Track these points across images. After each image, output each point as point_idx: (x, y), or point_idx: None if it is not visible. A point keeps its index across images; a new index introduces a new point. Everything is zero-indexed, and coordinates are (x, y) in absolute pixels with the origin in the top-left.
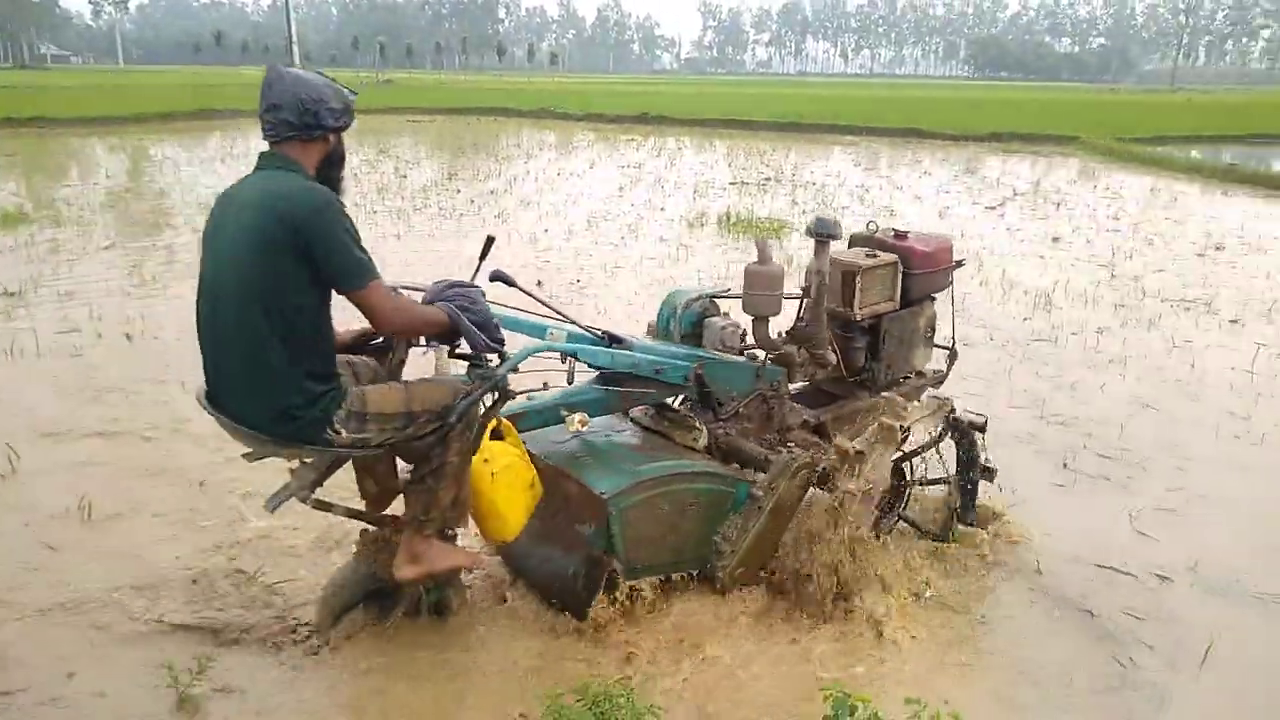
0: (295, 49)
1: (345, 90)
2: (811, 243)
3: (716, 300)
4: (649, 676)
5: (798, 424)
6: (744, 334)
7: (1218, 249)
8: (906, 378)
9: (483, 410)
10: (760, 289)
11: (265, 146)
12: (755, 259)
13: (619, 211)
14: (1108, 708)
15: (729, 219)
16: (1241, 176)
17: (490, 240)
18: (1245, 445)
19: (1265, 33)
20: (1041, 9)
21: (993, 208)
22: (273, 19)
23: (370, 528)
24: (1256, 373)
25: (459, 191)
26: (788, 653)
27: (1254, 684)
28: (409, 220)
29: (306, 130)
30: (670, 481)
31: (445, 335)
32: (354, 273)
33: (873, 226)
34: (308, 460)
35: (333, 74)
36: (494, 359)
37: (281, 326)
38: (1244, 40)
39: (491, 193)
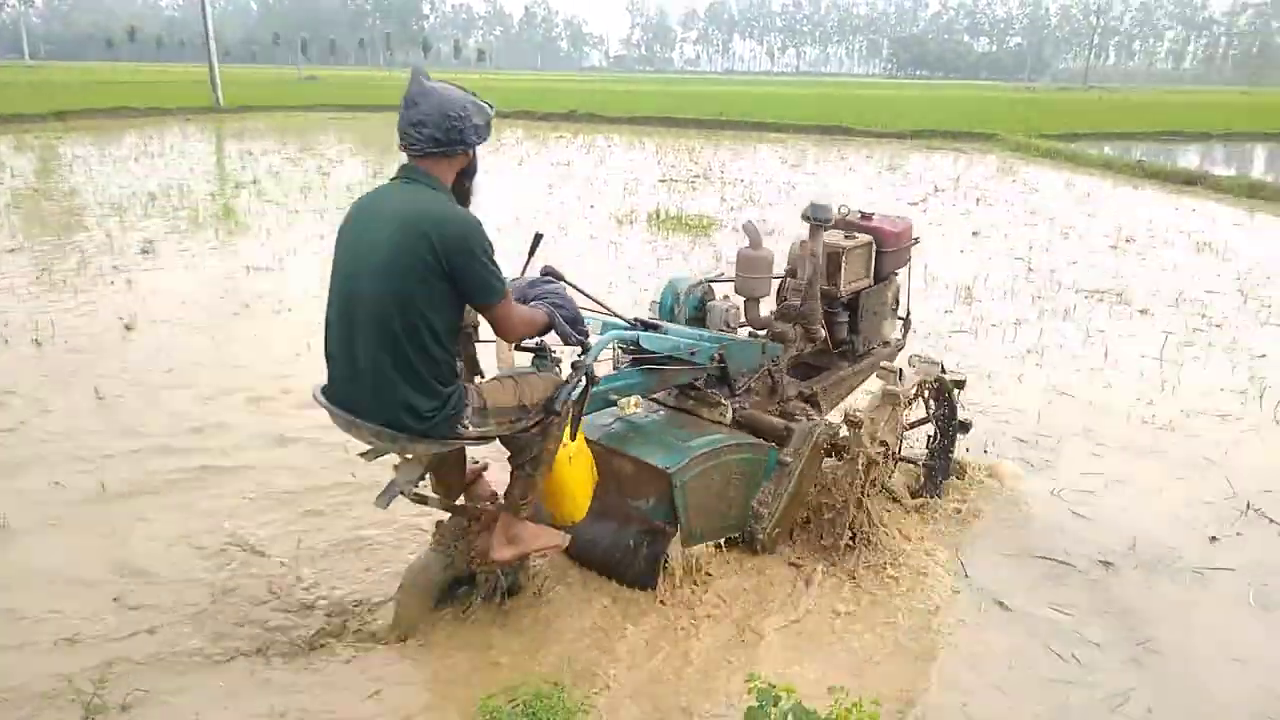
0: (213, 45)
1: (486, 104)
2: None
3: (712, 285)
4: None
5: (794, 395)
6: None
7: (1128, 241)
8: (876, 347)
9: (573, 400)
10: (753, 272)
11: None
12: (747, 244)
13: (548, 209)
14: (1050, 694)
15: (659, 216)
16: (1150, 172)
17: (539, 237)
18: (1154, 429)
19: (1169, 34)
20: (960, 9)
21: (915, 203)
22: (189, 13)
23: (444, 521)
24: (1165, 360)
25: None
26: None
27: (1197, 661)
28: (332, 220)
29: (450, 146)
30: (720, 454)
31: (541, 332)
32: (489, 291)
33: (844, 210)
34: (409, 457)
35: (254, 71)
36: (557, 351)
37: (421, 335)
38: (1150, 41)
39: None
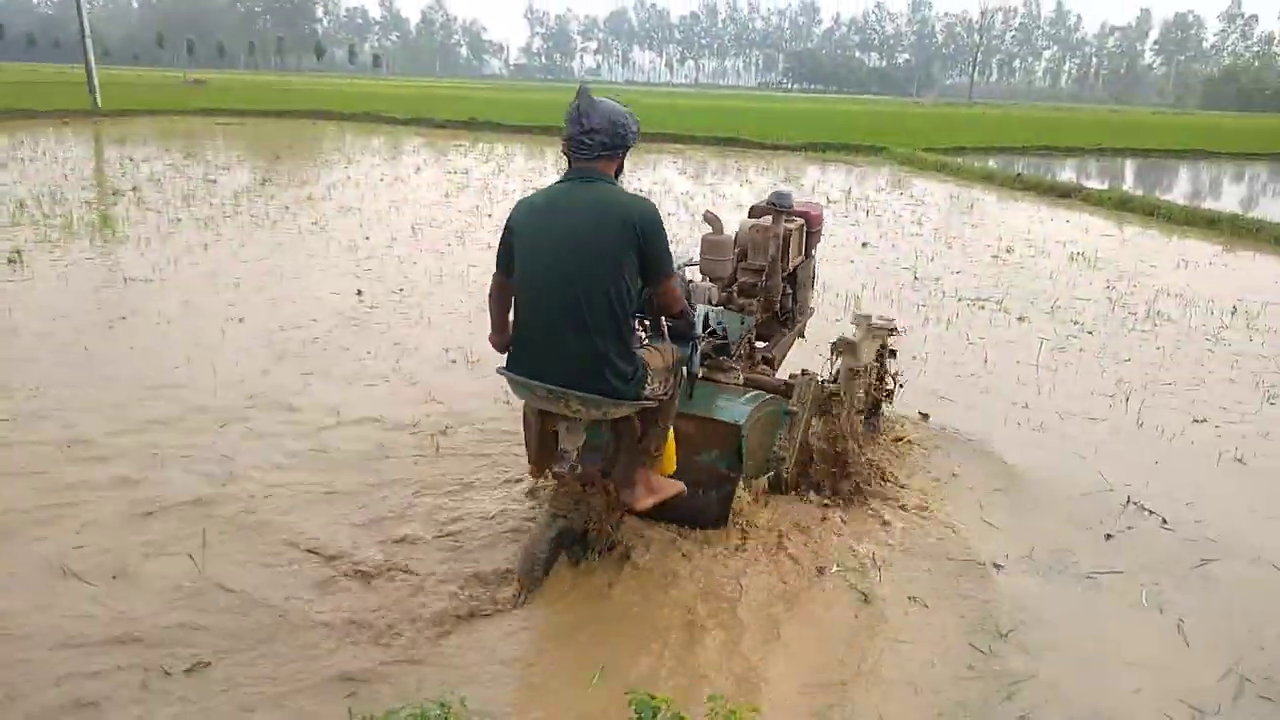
0: (89, 44)
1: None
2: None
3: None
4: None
5: (760, 358)
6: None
7: (1008, 251)
8: (805, 314)
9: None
10: (719, 255)
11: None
12: (710, 231)
13: (445, 218)
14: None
15: None
16: (1028, 184)
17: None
18: (1029, 431)
19: (1046, 53)
20: (852, 25)
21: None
22: (64, 11)
23: (555, 488)
24: (1040, 365)
25: (273, 198)
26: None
27: (1092, 666)
28: (218, 228)
29: (614, 149)
30: (762, 408)
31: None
32: (665, 267)
33: (775, 190)
34: (575, 422)
35: (136, 74)
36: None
37: (624, 308)
38: (1029, 60)
39: (309, 198)
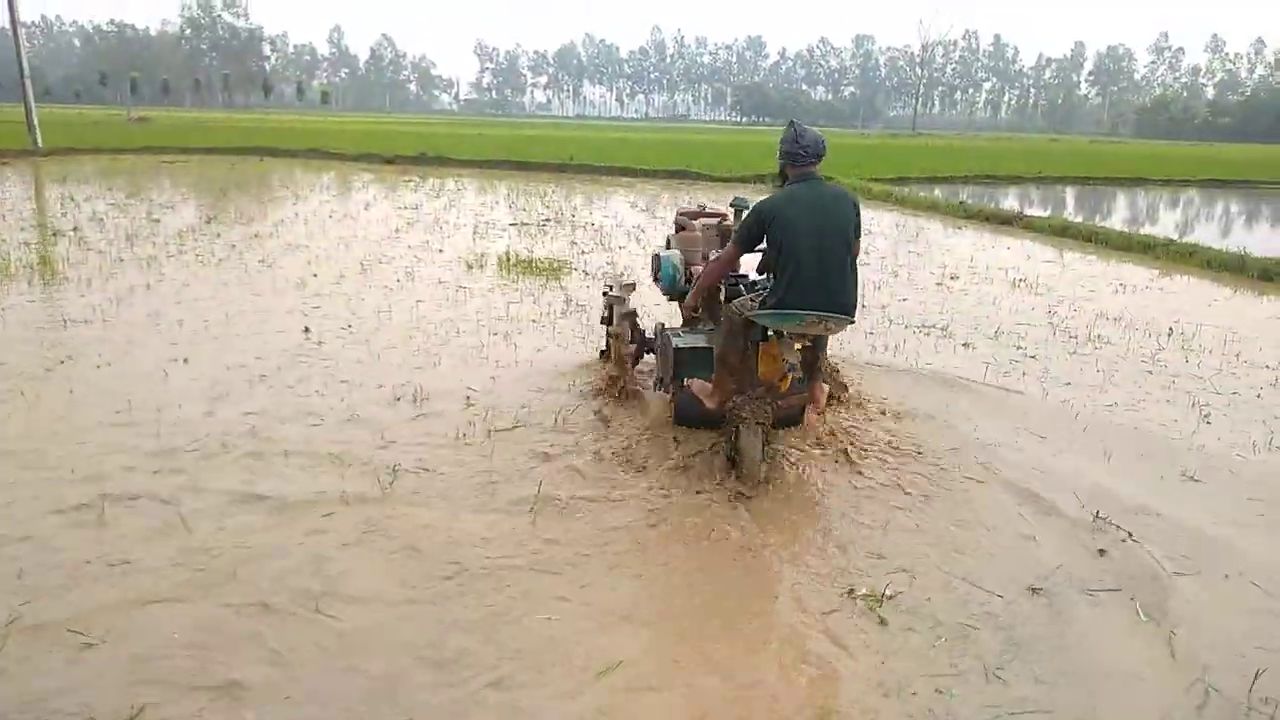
0: (29, 84)
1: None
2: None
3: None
4: None
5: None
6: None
7: (953, 279)
8: None
9: None
10: (696, 247)
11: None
12: (681, 230)
13: (394, 254)
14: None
15: (509, 260)
16: (971, 212)
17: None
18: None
19: (986, 85)
20: (798, 60)
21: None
22: (1, 50)
23: (748, 404)
24: (988, 383)
25: (219, 236)
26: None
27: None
28: (161, 268)
29: (820, 159)
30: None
31: None
32: (860, 233)
33: (701, 204)
34: (795, 348)
35: (78, 112)
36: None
37: (854, 261)
38: (970, 91)
39: (255, 236)
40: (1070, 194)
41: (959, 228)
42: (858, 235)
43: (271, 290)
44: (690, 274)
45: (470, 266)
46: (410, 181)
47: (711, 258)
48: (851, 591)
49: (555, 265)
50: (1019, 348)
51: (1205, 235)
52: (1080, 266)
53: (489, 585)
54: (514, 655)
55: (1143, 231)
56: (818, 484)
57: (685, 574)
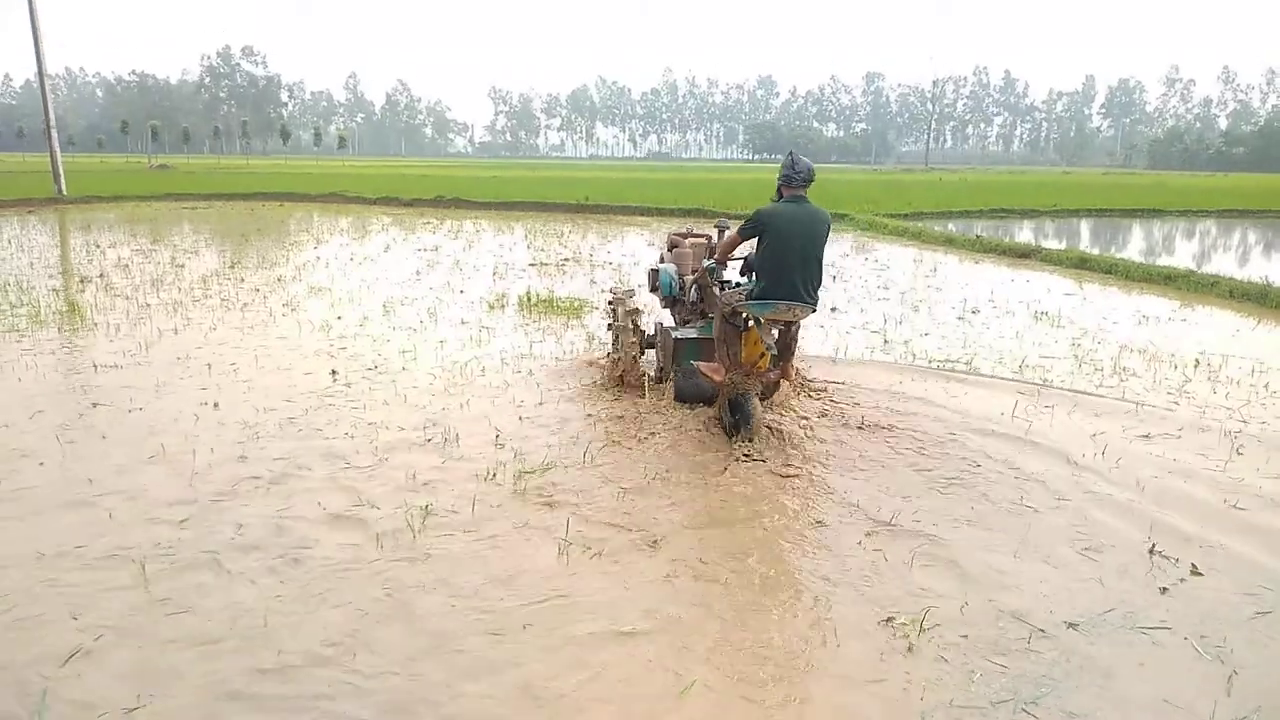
0: (54, 133)
1: None
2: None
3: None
4: None
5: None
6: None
7: (974, 313)
8: None
9: None
10: (690, 260)
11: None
12: (674, 248)
13: (417, 295)
14: None
15: (529, 300)
16: (988, 246)
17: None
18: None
19: (998, 120)
20: (809, 97)
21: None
22: (26, 101)
23: (750, 378)
24: (1015, 419)
25: (243, 280)
26: None
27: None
28: (186, 313)
29: (809, 184)
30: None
31: None
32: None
33: (689, 227)
34: (789, 321)
35: (100, 160)
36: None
37: (820, 266)
38: (981, 126)
39: (279, 280)
40: (1085, 226)
41: (976, 261)
42: (825, 242)
43: (297, 333)
44: (684, 283)
45: (492, 307)
46: (429, 224)
47: (693, 269)
48: (890, 620)
49: (576, 305)
50: (1044, 380)
51: (1225, 265)
52: (1101, 299)
53: (520, 620)
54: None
55: (1161, 262)
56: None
57: (723, 619)
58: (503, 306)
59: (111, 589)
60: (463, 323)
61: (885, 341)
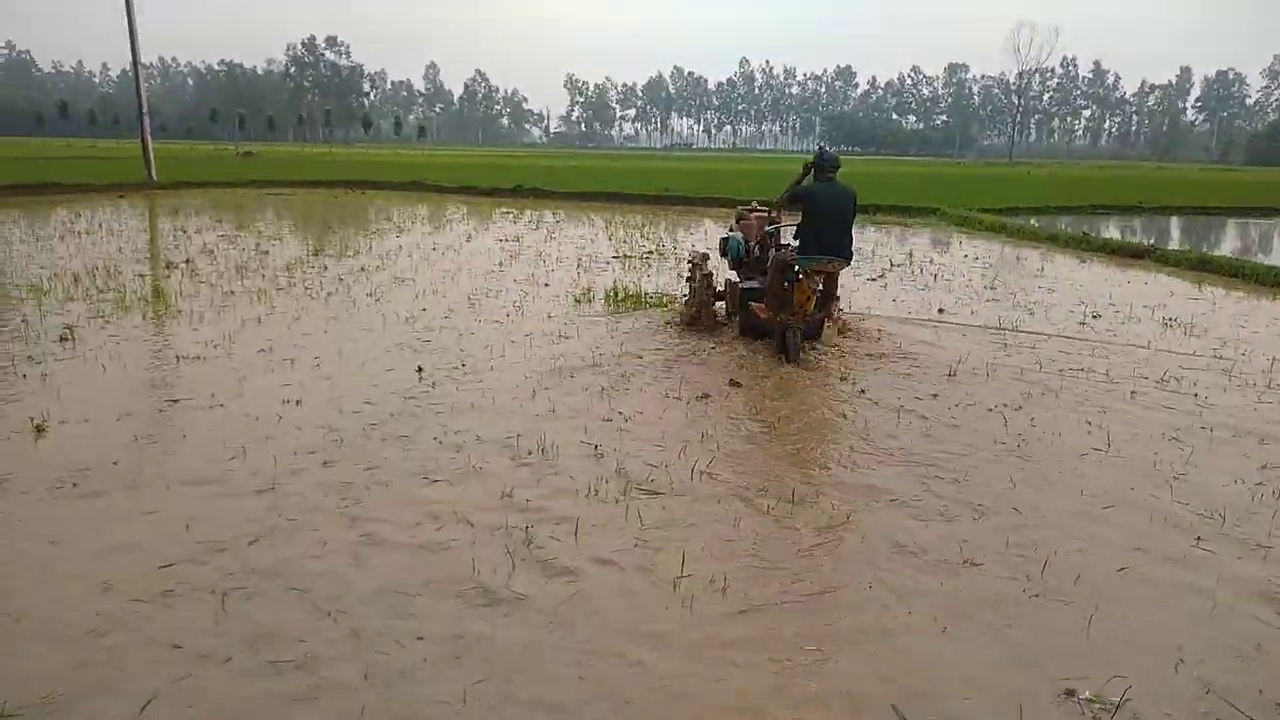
0: (146, 120)
1: None
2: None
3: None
4: None
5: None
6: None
7: (1095, 317)
8: None
9: None
10: (754, 229)
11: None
12: (740, 222)
13: (501, 288)
14: None
15: (616, 294)
16: (1095, 245)
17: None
18: (1188, 532)
19: (1085, 113)
20: (889, 89)
21: (875, 279)
22: (123, 90)
23: (793, 318)
24: (1177, 444)
25: (326, 269)
26: None
27: None
28: (271, 301)
29: (836, 169)
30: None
31: None
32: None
33: (753, 203)
34: (827, 272)
35: (189, 146)
36: None
37: (852, 227)
38: (1068, 119)
39: (362, 269)
40: (1190, 224)
41: (1081, 260)
42: (855, 214)
43: (381, 325)
44: (750, 249)
45: (578, 301)
46: (508, 213)
47: (756, 237)
48: (1072, 693)
49: (665, 300)
50: (1195, 396)
51: None
52: (1230, 305)
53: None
54: None
55: None
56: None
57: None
58: (590, 301)
59: (188, 620)
60: (549, 317)
61: (1005, 346)
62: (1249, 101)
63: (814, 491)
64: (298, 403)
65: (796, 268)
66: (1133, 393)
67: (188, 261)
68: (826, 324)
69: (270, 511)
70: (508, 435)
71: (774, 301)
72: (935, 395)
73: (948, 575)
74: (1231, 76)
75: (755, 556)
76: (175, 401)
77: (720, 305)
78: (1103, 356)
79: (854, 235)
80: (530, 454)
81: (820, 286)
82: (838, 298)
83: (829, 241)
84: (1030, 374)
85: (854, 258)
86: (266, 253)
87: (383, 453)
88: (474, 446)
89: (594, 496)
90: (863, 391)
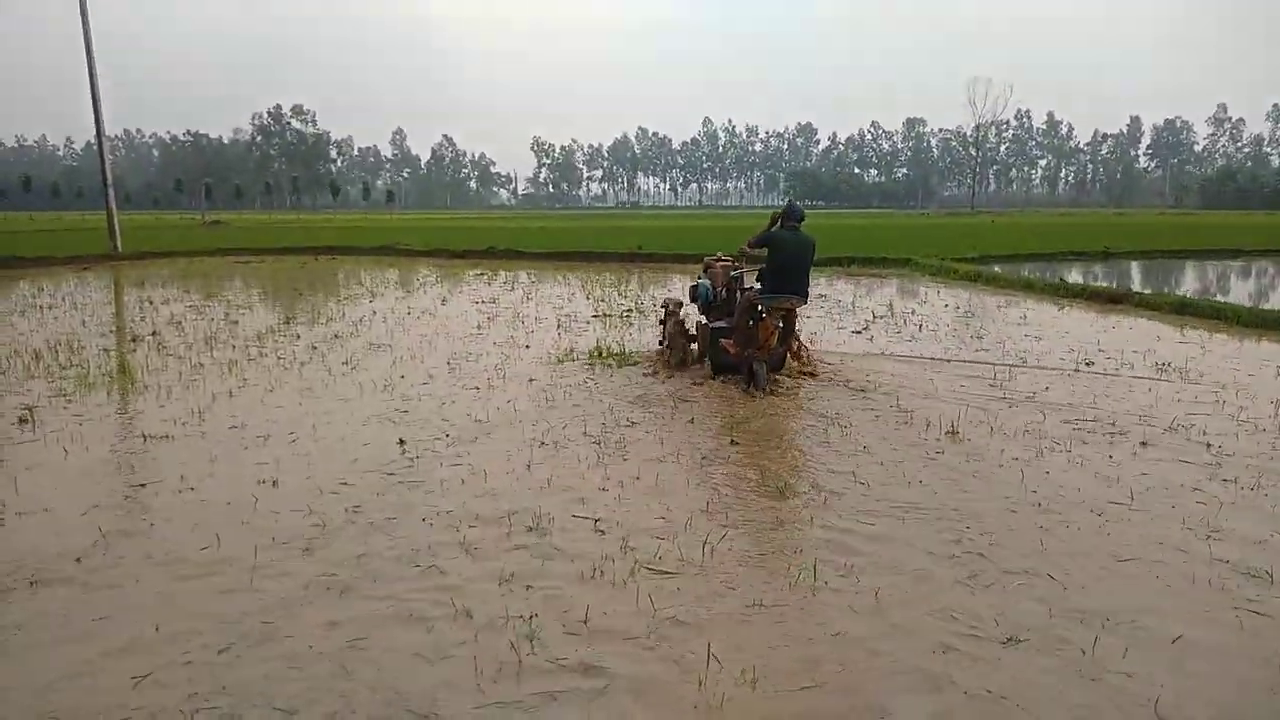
0: (110, 191)
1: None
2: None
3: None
4: None
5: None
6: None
7: (1088, 364)
8: None
9: None
10: (720, 276)
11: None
12: (709, 271)
13: (480, 351)
14: None
15: (599, 353)
16: (1074, 291)
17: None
18: (1229, 605)
19: (1041, 163)
20: (849, 143)
21: (859, 332)
22: (87, 162)
23: (757, 354)
24: (1221, 501)
25: (299, 337)
26: None
27: None
28: (242, 373)
29: (801, 221)
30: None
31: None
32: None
33: (717, 254)
34: (787, 310)
35: (155, 217)
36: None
37: (809, 272)
38: (1025, 169)
39: (336, 336)
40: (1160, 268)
41: (1060, 308)
42: (813, 260)
43: (358, 394)
44: (717, 293)
45: (561, 361)
46: (482, 275)
47: (722, 282)
48: None
49: (651, 359)
50: (1208, 446)
51: None
52: (1217, 347)
53: None
54: None
55: (1268, 305)
56: None
57: None
58: (573, 361)
59: None
60: (532, 380)
61: (1005, 397)
62: (1197, 148)
63: (846, 564)
64: (274, 483)
65: (760, 307)
66: (1143, 443)
67: (154, 333)
68: (789, 358)
69: (246, 616)
70: (500, 514)
71: (741, 338)
72: (940, 452)
73: (991, 649)
74: (1179, 124)
75: (783, 639)
76: (142, 486)
77: (694, 347)
78: (1106, 403)
79: (827, 286)
80: (530, 530)
81: (781, 324)
82: (797, 334)
83: (791, 283)
84: (1035, 426)
85: (832, 308)
86: (236, 322)
87: (368, 538)
88: (467, 528)
89: (600, 578)
90: (865, 448)
